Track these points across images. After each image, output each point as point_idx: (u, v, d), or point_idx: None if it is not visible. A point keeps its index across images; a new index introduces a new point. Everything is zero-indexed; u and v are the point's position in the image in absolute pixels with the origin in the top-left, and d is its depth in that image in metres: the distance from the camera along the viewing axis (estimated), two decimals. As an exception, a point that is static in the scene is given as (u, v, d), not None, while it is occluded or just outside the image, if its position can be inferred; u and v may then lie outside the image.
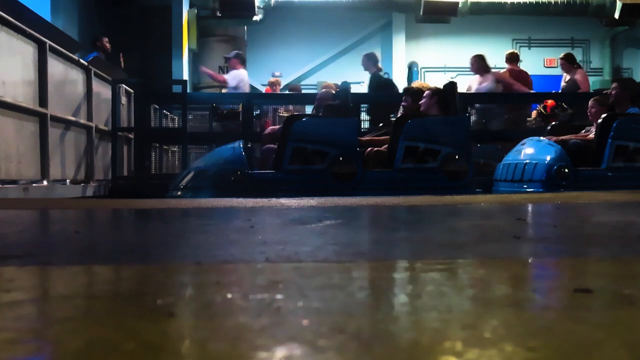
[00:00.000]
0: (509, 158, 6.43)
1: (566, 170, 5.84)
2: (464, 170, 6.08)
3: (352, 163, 5.98)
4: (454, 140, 6.13)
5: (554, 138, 6.29)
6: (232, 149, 6.20)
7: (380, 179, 6.09)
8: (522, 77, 9.13)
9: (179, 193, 5.98)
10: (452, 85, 6.56)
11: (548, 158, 5.94)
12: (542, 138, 6.39)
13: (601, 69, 16.50)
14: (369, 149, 6.32)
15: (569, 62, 8.96)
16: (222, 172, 5.96)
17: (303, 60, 15.72)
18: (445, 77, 14.81)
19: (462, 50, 16.00)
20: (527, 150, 6.27)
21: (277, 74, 11.45)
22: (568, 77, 9.02)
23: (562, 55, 9.10)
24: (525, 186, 5.96)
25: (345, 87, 6.79)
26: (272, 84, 10.77)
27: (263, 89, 10.64)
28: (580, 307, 0.97)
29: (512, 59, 9.32)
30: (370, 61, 9.13)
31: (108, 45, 9.06)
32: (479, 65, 8.85)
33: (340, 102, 6.58)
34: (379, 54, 17.03)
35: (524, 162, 6.10)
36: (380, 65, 9.32)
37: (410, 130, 6.05)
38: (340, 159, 5.96)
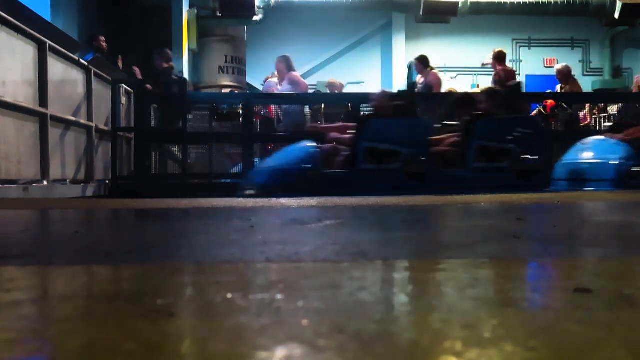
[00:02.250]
0: (569, 158, 6.46)
1: (637, 170, 5.87)
2: (534, 170, 6.15)
3: (424, 162, 6.08)
4: (523, 140, 6.21)
5: (619, 136, 6.29)
6: (306, 148, 6.29)
7: (452, 178, 6.18)
8: (510, 76, 9.16)
9: (252, 192, 6.01)
10: (517, 86, 6.67)
11: (617, 157, 5.96)
12: (605, 137, 6.42)
13: (601, 69, 16.48)
14: (439, 148, 6.37)
15: (421, 64, 9.06)
16: (298, 171, 6.05)
17: (303, 60, 15.69)
18: (445, 77, 14.79)
19: (462, 50, 16.00)
20: (591, 150, 6.29)
21: (276, 74, 11.31)
22: (422, 79, 9.12)
23: (416, 56, 9.22)
24: (591, 186, 5.98)
25: (411, 86, 6.91)
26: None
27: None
28: (580, 307, 0.97)
29: (499, 58, 9.33)
30: (162, 58, 9.13)
31: (104, 44, 9.02)
32: (280, 67, 8.94)
33: (406, 102, 6.66)
34: (379, 54, 17.00)
35: (590, 161, 6.12)
36: (172, 63, 9.31)
37: (480, 130, 6.14)
38: (413, 158, 6.07)
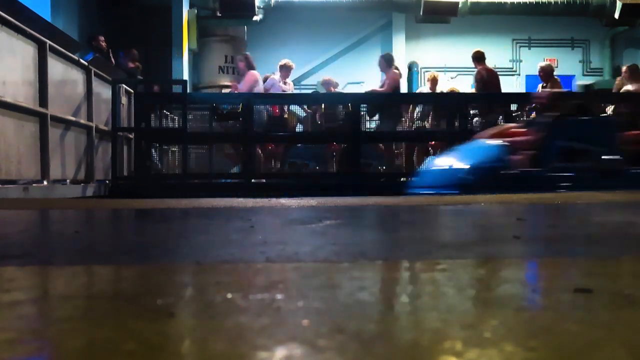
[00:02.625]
0: None
1: None
2: None
3: (615, 160, 6.14)
4: None
5: None
6: (495, 147, 6.34)
7: None
8: (492, 75, 9.15)
9: (432, 190, 6.05)
10: None
11: None
12: None
13: (601, 69, 16.48)
14: (631, 145, 6.43)
15: (385, 62, 9.09)
16: (490, 170, 6.13)
17: (303, 60, 15.70)
18: (445, 77, 14.79)
19: (462, 50, 15.98)
20: None
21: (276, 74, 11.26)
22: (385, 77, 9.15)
23: (382, 53, 9.25)
24: None
25: (589, 85, 6.94)
26: (284, 68, 9.69)
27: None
28: (580, 307, 0.97)
29: (479, 58, 9.30)
30: (128, 57, 9.24)
31: (104, 43, 9.02)
32: (241, 66, 9.11)
33: (585, 100, 6.68)
34: (379, 54, 17.09)
35: None
36: (138, 63, 9.43)
37: None
38: (604, 156, 6.15)
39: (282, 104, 9.32)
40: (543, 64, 9.66)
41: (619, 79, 9.87)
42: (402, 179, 7.86)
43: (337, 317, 0.90)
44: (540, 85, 9.56)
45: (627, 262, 1.45)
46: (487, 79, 9.04)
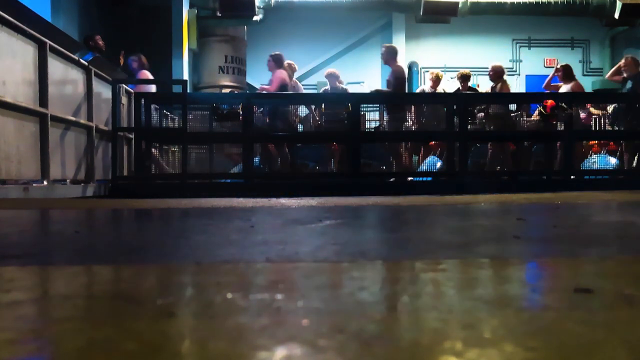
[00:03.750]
0: None
1: None
2: None
3: None
4: None
5: None
6: None
7: None
8: (403, 72, 9.16)
9: None
10: None
11: None
12: None
13: (601, 69, 16.48)
14: None
15: (274, 62, 9.14)
16: None
17: (303, 61, 15.70)
18: (445, 77, 14.81)
19: (462, 50, 16.01)
20: None
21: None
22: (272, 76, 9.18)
23: (271, 54, 9.21)
24: None
25: None
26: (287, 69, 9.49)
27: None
28: (580, 307, 0.97)
29: (396, 54, 9.21)
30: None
31: (101, 42, 9.01)
32: (134, 65, 8.96)
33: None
34: (379, 54, 17.08)
35: None
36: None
37: None
38: None
39: (282, 104, 9.29)
40: (495, 64, 9.66)
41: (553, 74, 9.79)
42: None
43: (337, 317, 0.90)
44: (491, 85, 9.64)
45: (627, 262, 1.45)
46: (405, 76, 9.07)
